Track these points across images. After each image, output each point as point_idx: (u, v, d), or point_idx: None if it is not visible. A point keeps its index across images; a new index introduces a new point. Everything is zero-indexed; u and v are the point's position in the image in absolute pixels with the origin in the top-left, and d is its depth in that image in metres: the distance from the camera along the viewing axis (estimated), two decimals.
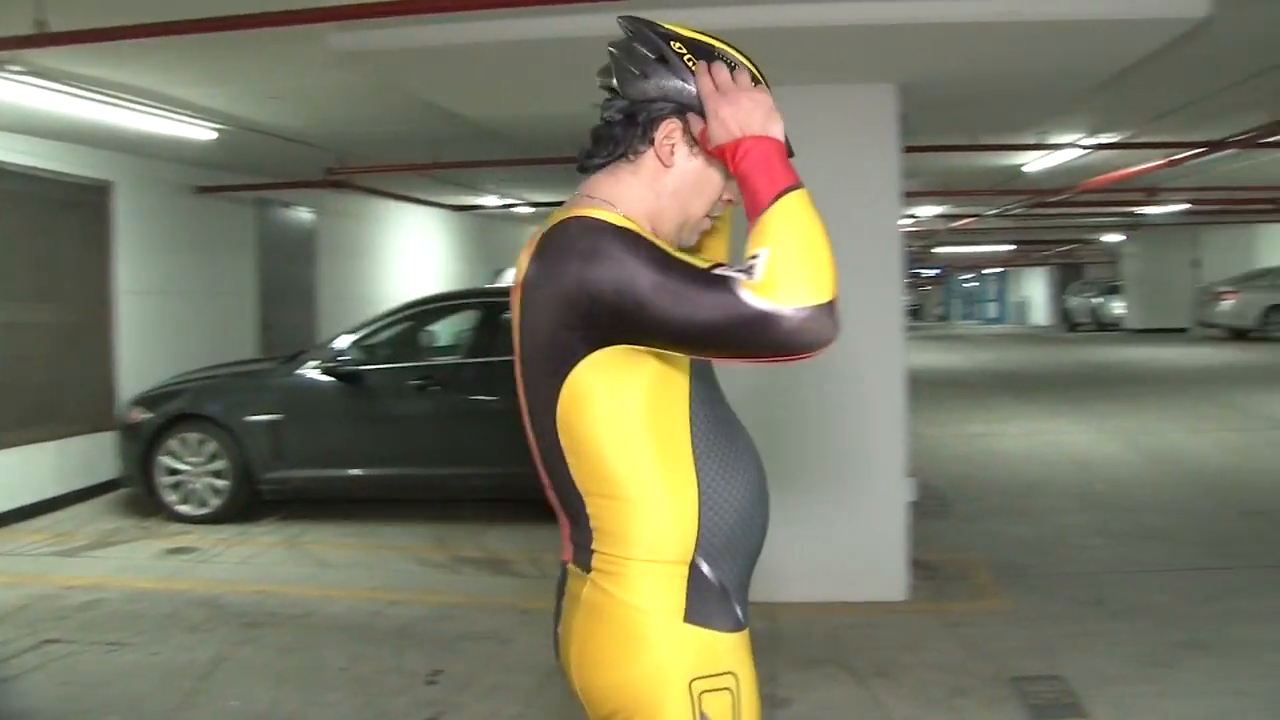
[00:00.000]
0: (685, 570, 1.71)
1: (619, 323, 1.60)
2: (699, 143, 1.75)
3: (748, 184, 1.62)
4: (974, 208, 18.26)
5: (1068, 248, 32.51)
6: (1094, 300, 32.98)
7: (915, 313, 44.36)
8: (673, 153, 1.78)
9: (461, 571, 6.57)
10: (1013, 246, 32.44)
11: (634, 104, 1.77)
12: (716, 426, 1.78)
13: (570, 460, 1.74)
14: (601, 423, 1.69)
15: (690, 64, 1.74)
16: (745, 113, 1.65)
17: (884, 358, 5.71)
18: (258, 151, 9.29)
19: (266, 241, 11.75)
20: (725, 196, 1.86)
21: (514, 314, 1.82)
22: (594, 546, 1.75)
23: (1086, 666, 4.76)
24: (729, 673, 1.70)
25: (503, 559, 6.78)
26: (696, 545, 1.72)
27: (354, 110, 7.91)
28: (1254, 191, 16.15)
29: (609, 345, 1.64)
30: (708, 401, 1.78)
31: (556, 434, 1.73)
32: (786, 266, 1.52)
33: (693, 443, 1.73)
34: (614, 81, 1.78)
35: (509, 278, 11.44)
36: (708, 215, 1.87)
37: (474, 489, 7.71)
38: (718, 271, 1.57)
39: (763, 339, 1.52)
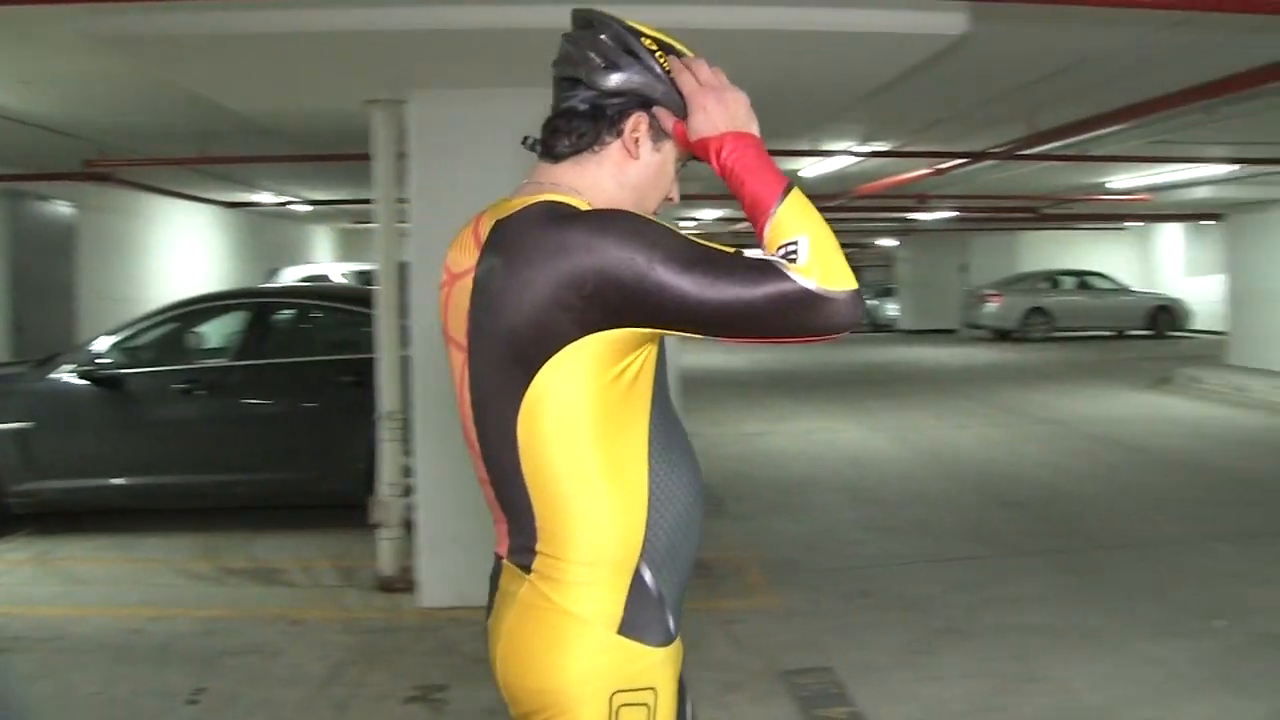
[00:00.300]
0: (628, 578, 1.70)
1: (629, 304, 1.58)
2: (674, 136, 1.78)
3: (743, 181, 1.67)
4: None
5: (845, 251, 33.69)
6: (870, 302, 34.32)
7: None
8: (638, 145, 1.79)
9: (228, 583, 6.34)
10: None
11: (601, 95, 1.77)
12: (668, 425, 1.78)
13: (525, 456, 1.70)
14: (568, 417, 1.66)
15: (662, 60, 1.77)
16: (731, 110, 1.71)
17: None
18: (7, 140, 8.75)
19: (18, 237, 11.10)
20: (670, 194, 1.88)
21: (452, 306, 1.79)
22: (538, 548, 1.72)
23: (853, 657, 4.94)
24: (650, 688, 1.71)
25: (272, 568, 6.57)
26: (642, 550, 1.71)
27: (115, 99, 7.55)
28: (1015, 200, 17.11)
29: (604, 330, 1.61)
30: (663, 399, 1.78)
31: (514, 427, 1.69)
32: (827, 253, 1.59)
33: (649, 441, 1.73)
34: (577, 72, 1.78)
35: (287, 277, 11.20)
36: (654, 210, 1.86)
37: (243, 496, 7.46)
38: (754, 255, 1.60)
39: (809, 320, 1.57)
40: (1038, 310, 24.68)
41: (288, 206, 16.54)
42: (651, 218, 1.69)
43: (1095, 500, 8.36)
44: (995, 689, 4.62)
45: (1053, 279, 25.70)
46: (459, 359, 1.79)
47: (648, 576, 1.72)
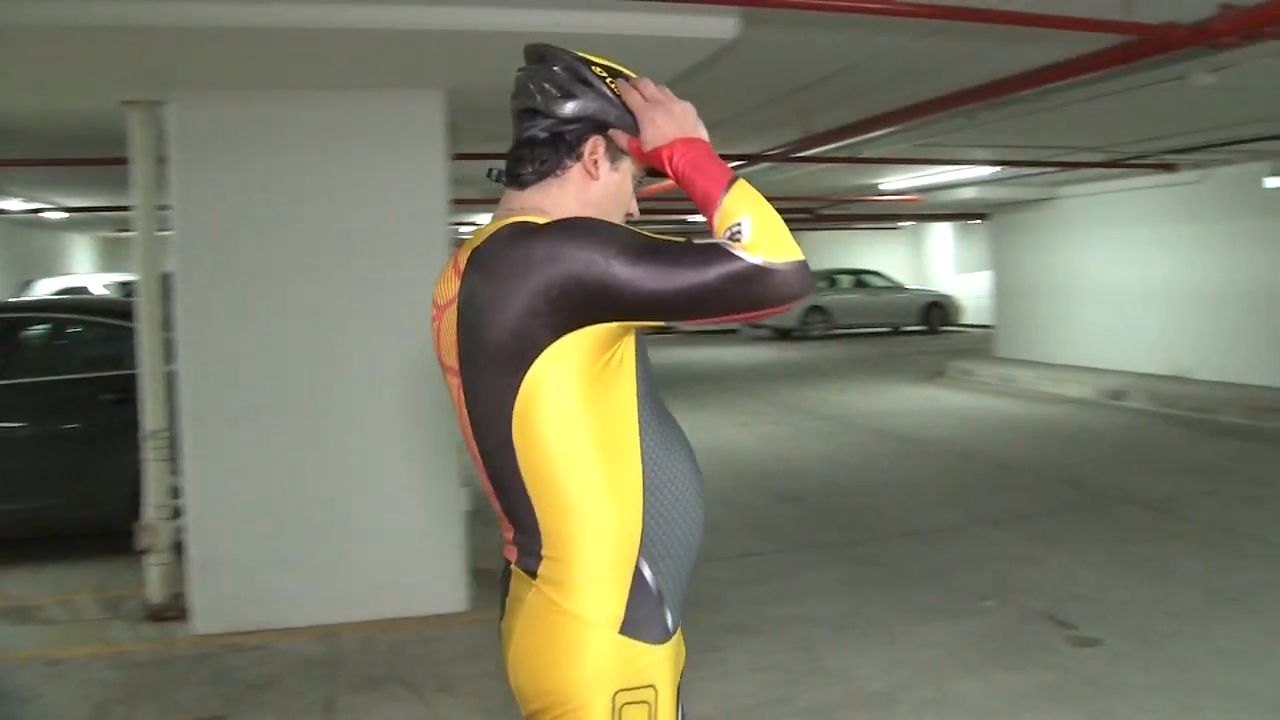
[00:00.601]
0: (629, 575, 1.82)
1: (595, 301, 1.71)
2: (630, 151, 1.94)
3: (693, 180, 1.80)
4: None
5: None
6: None
7: None
8: (598, 165, 1.94)
9: None
10: None
11: (559, 123, 1.92)
12: (660, 420, 1.90)
13: (523, 463, 1.82)
14: (557, 416, 1.78)
15: (611, 84, 1.93)
16: (678, 119, 1.86)
17: (434, 367, 5.73)
18: None
19: None
20: (630, 209, 2.03)
21: (443, 335, 1.93)
22: (543, 552, 1.84)
23: None
24: (650, 686, 1.81)
25: (27, 605, 6.17)
26: (640, 545, 1.83)
27: None
28: (793, 201, 17.66)
29: (577, 329, 1.74)
30: (650, 394, 1.90)
31: (510, 436, 1.81)
32: (769, 229, 1.70)
33: (640, 435, 1.85)
34: (536, 102, 1.92)
35: (42, 289, 10.48)
36: None
37: None
38: (702, 241, 1.72)
39: (757, 292, 1.68)
40: (816, 309, 25.49)
41: (40, 214, 15.69)
42: (605, 220, 1.83)
43: (873, 491, 8.72)
44: (782, 681, 4.77)
45: (830, 278, 26.58)
46: (455, 383, 1.93)
47: (647, 573, 1.84)
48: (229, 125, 5.53)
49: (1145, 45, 5.42)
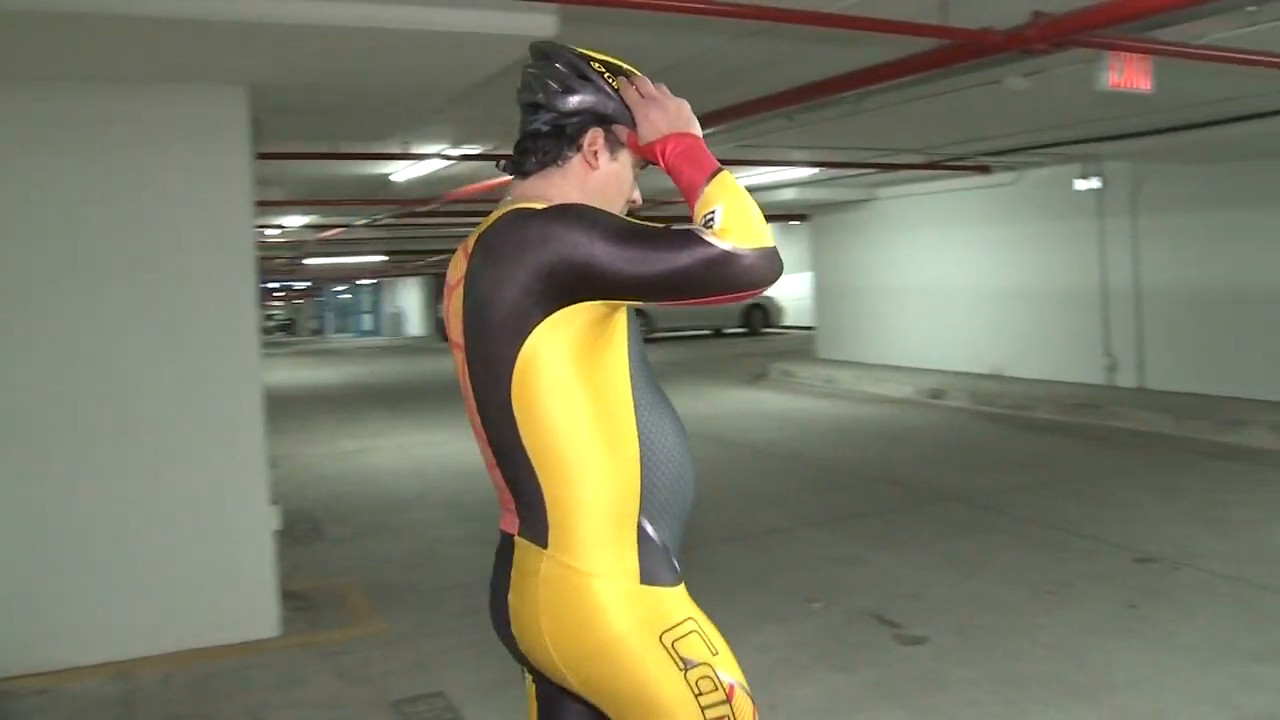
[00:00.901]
0: (633, 533, 1.99)
1: (580, 280, 1.87)
2: (629, 145, 2.12)
3: (681, 170, 1.98)
4: (343, 217, 18.49)
5: (440, 258, 33.82)
6: None
7: (288, 327, 43.98)
8: (597, 156, 2.11)
9: None
10: (385, 257, 33.19)
11: (561, 116, 2.09)
12: (650, 388, 2.09)
13: (524, 432, 1.98)
14: (554, 385, 1.94)
15: (610, 80, 2.10)
16: (671, 115, 2.04)
17: (237, 379, 5.58)
18: None
19: None
20: (632, 197, 2.20)
21: (451, 314, 2.10)
22: (549, 521, 1.99)
23: (464, 678, 5.00)
24: (688, 618, 2.00)
25: None
26: (640, 505, 2.01)
27: None
28: None
29: (566, 305, 1.90)
30: (642, 365, 2.09)
31: (510, 404, 1.97)
32: (740, 217, 1.87)
33: (634, 400, 2.02)
34: (538, 97, 2.09)
35: None
36: (618, 213, 2.16)
37: None
38: (679, 227, 1.87)
39: (727, 275, 1.84)
40: (638, 313, 25.69)
41: None
42: (594, 206, 1.98)
43: (698, 496, 8.84)
44: None
45: None
46: (460, 357, 2.11)
47: (649, 528, 2.03)
48: (7, 119, 5.30)
49: (962, 49, 5.68)
